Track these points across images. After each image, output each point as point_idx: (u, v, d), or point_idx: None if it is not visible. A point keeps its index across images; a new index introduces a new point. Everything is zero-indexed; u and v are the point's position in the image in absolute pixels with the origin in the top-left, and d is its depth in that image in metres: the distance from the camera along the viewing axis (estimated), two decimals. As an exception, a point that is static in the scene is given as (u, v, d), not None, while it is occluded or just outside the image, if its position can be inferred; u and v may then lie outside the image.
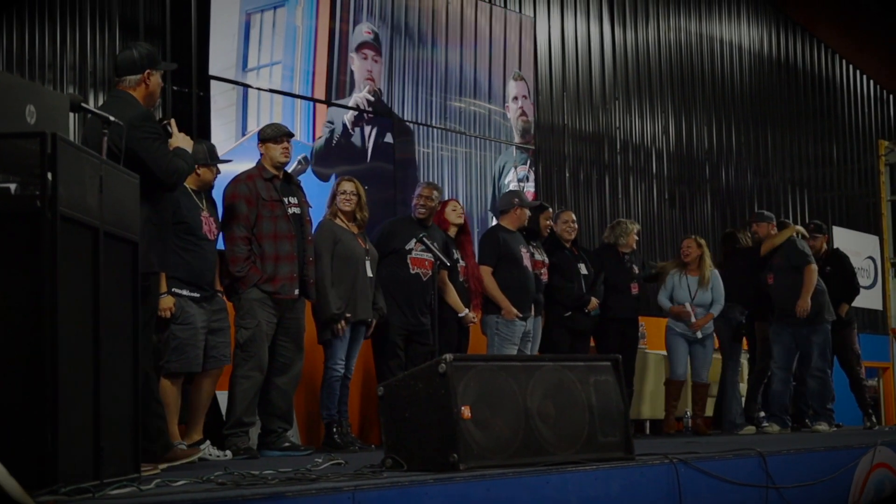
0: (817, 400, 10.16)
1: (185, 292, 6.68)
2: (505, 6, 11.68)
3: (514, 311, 8.87)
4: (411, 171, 10.37)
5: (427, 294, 8.20)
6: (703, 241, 10.39)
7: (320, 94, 9.63)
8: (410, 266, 8.32)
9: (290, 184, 7.46)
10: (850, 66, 17.44)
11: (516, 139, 11.55)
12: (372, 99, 10.06)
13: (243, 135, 8.83)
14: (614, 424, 5.49)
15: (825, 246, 11.11)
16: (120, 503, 3.85)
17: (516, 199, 9.27)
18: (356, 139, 9.92)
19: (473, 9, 11.17)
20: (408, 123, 10.40)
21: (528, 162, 11.64)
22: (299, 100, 9.44)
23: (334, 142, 9.72)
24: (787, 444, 7.07)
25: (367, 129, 10.03)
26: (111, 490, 4.11)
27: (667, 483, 5.35)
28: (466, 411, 4.90)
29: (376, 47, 10.17)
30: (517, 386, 5.17)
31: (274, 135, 7.41)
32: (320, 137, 9.57)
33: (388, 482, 4.38)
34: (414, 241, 8.27)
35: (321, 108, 9.66)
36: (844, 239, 16.60)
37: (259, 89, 9.06)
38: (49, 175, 3.84)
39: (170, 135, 5.66)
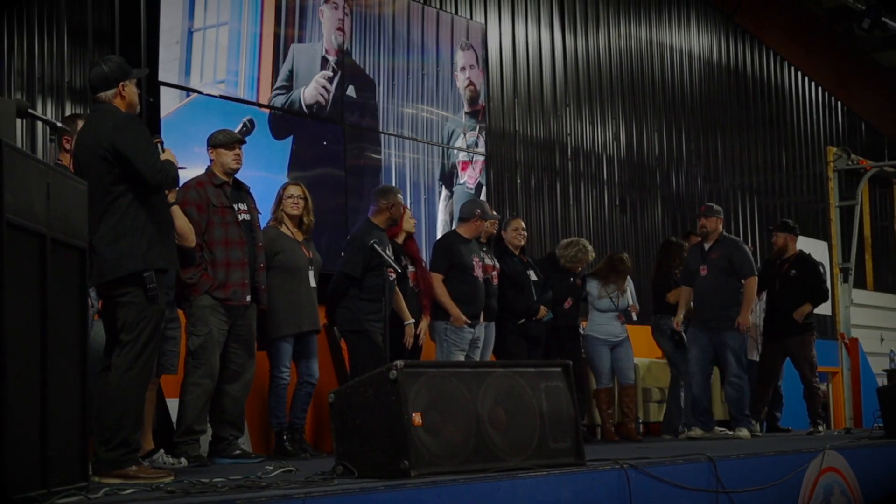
0: (735, 406, 10.09)
1: None
2: (455, 12, 11.69)
3: (463, 318, 8.89)
4: (363, 178, 10.33)
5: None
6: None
7: (268, 47, 9.54)
8: (388, 273, 8.27)
9: (239, 190, 7.43)
10: (799, 74, 17.61)
11: (465, 108, 11.54)
12: (324, 103, 10.01)
13: (188, 95, 8.82)
14: (565, 430, 5.51)
15: (793, 248, 10.91)
16: (67, 512, 3.82)
17: (478, 211, 9.29)
18: (324, 111, 9.90)
19: (424, 15, 11.18)
20: (360, 130, 10.36)
21: (478, 128, 11.63)
22: (244, 53, 9.38)
23: (305, 111, 9.73)
24: (737, 449, 7.12)
25: (318, 130, 9.98)
26: (58, 499, 4.09)
27: (618, 488, 5.37)
28: (417, 418, 4.90)
29: None
30: (468, 392, 5.18)
31: (226, 141, 7.39)
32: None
33: (339, 489, 4.38)
34: (388, 247, 8.27)
35: (267, 69, 9.57)
36: (794, 244, 16.74)
37: (208, 95, 9.00)
38: (-5, 181, 3.81)
39: (160, 150, 5.70)
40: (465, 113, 11.48)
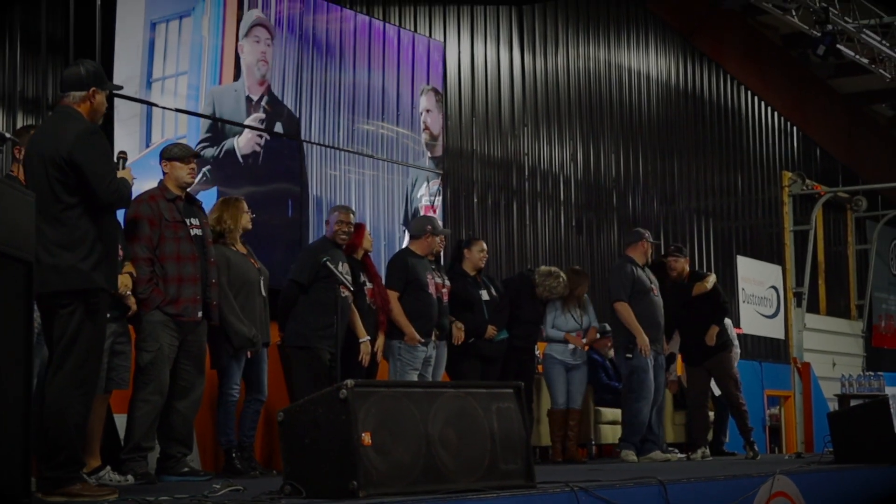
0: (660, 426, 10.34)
1: None
2: (415, 30, 11.67)
3: (418, 336, 8.86)
4: (320, 194, 10.27)
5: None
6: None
7: (229, 64, 9.50)
8: (340, 290, 8.24)
9: (192, 204, 7.37)
10: (756, 98, 17.72)
11: (428, 154, 11.51)
12: (259, 150, 9.82)
13: (147, 146, 8.69)
14: (516, 452, 5.47)
15: (686, 269, 11.00)
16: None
17: (429, 227, 9.28)
18: (258, 159, 9.76)
19: (384, 32, 11.16)
20: (316, 145, 10.31)
21: (440, 176, 11.60)
22: (205, 70, 9.29)
23: (240, 161, 9.58)
24: (688, 473, 7.12)
25: (272, 148, 9.88)
26: (-2, 517, 4.01)
27: (567, 511, 5.34)
28: (367, 438, 4.85)
29: (268, 27, 9.90)
30: (419, 412, 5.13)
31: (181, 154, 7.34)
32: (210, 164, 9.35)
33: (286, 510, 4.33)
34: (340, 263, 8.25)
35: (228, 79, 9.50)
36: (748, 268, 16.85)
37: (164, 108, 8.93)
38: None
39: (121, 166, 5.63)
40: (429, 158, 11.47)
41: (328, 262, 7.98)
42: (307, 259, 8.36)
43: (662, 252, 11.49)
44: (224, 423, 7.89)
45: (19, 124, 8.09)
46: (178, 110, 9.07)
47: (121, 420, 7.25)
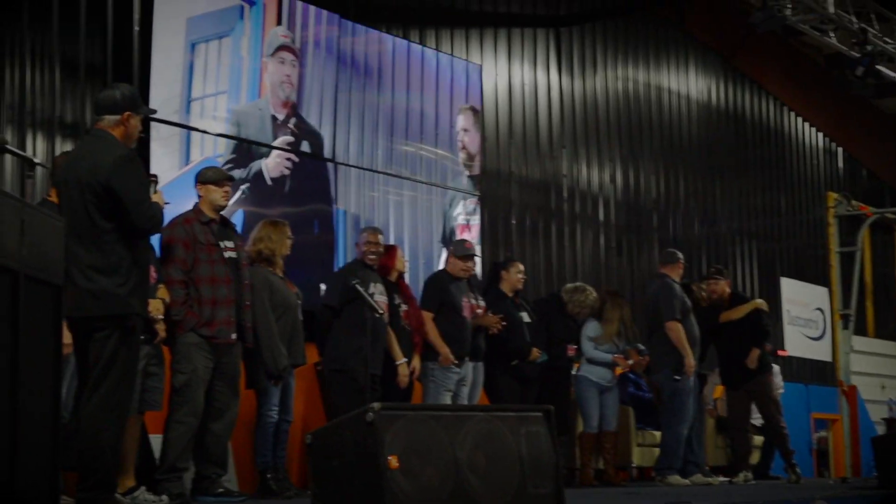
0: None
1: None
2: (452, 53, 11.68)
3: (451, 357, 8.85)
4: (358, 215, 10.29)
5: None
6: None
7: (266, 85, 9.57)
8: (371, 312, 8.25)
9: (226, 227, 7.42)
10: (799, 119, 17.60)
11: (466, 172, 11.50)
12: (288, 174, 9.83)
13: (186, 165, 8.74)
14: (545, 475, 5.44)
15: (727, 291, 10.90)
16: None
17: (451, 248, 9.37)
18: (286, 182, 9.79)
19: (422, 55, 11.19)
20: (354, 168, 10.33)
21: (477, 196, 11.60)
22: (244, 90, 9.37)
23: (269, 183, 9.61)
24: (725, 497, 7.05)
25: (301, 170, 9.89)
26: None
27: (598, 535, 5.31)
28: (394, 461, 4.84)
29: (294, 50, 9.88)
30: (447, 436, 5.11)
31: (216, 178, 7.40)
32: (247, 182, 9.38)
33: (311, 533, 4.32)
34: (372, 284, 8.27)
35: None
36: (793, 290, 16.70)
37: (203, 132, 8.99)
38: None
39: (152, 190, 5.68)
40: (467, 177, 11.47)
41: (357, 285, 8.00)
42: (337, 282, 8.43)
43: (705, 274, 11.42)
44: (261, 444, 7.91)
45: (58, 149, 8.15)
46: (218, 134, 9.11)
47: (155, 440, 7.29)
